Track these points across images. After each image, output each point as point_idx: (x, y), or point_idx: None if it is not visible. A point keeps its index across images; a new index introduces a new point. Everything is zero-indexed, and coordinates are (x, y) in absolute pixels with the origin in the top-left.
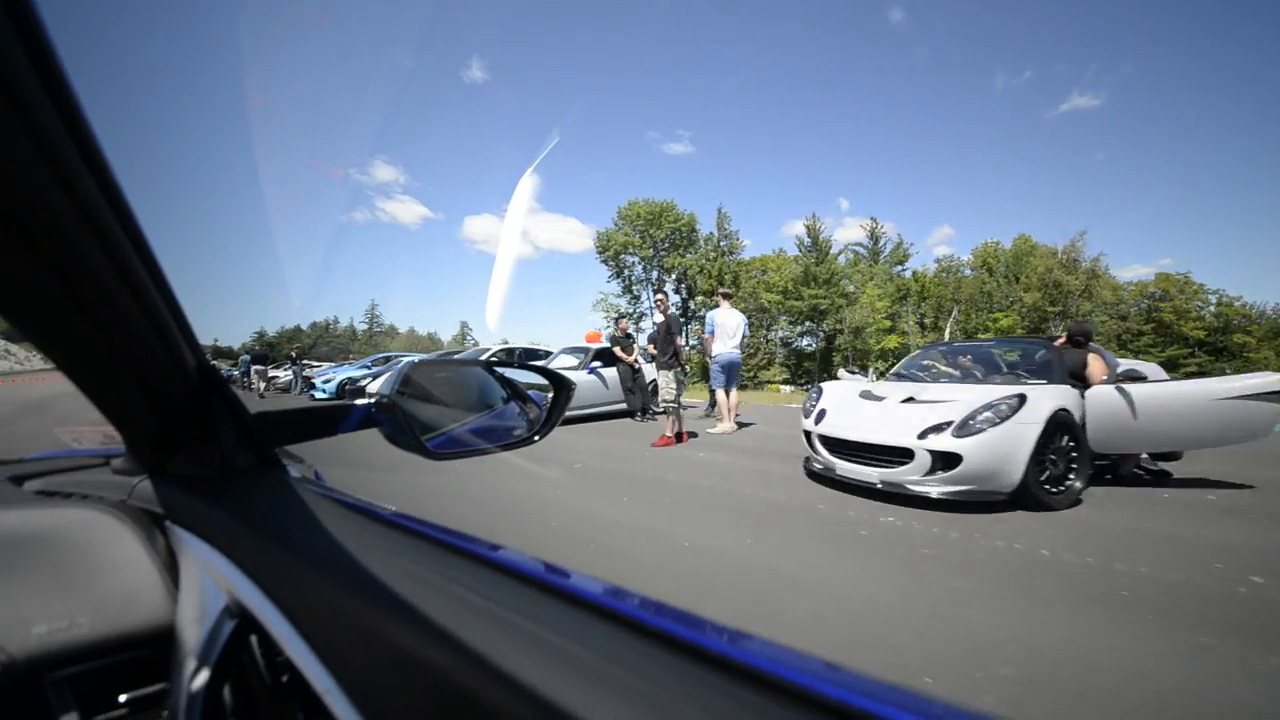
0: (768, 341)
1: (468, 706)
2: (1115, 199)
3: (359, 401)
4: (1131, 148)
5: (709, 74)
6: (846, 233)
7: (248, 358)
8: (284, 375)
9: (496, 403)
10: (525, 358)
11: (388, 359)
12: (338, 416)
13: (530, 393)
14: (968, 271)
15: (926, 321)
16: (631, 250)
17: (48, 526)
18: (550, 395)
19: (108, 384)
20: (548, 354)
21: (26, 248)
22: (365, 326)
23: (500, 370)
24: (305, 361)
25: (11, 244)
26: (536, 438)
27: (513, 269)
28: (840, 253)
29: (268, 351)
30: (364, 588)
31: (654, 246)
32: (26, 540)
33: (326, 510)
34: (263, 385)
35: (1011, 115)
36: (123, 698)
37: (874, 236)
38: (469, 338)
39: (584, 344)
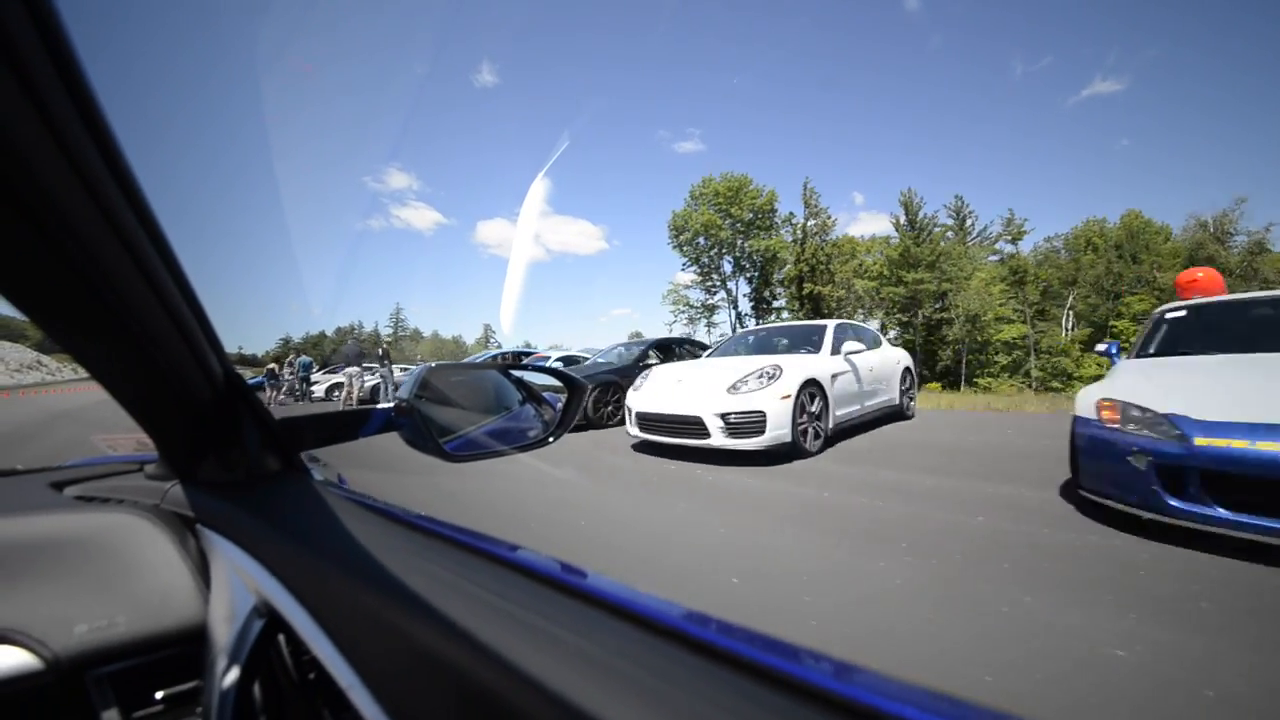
0: None
1: (487, 703)
2: (1141, 185)
3: (379, 406)
4: (1157, 133)
5: (719, 71)
6: (860, 227)
7: (305, 359)
8: (367, 380)
9: (513, 405)
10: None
11: (499, 356)
12: (359, 421)
13: (545, 395)
14: (1062, 254)
15: (1028, 309)
16: (713, 232)
17: (86, 530)
18: (564, 397)
19: (140, 392)
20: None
21: (58, 260)
22: (390, 330)
23: (515, 373)
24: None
25: (43, 256)
26: (551, 439)
27: (525, 272)
28: (941, 233)
29: (362, 348)
30: (386, 588)
31: (734, 228)
32: (67, 543)
33: (349, 512)
34: (354, 392)
35: (1031, 102)
36: (159, 694)
37: (959, 215)
38: (492, 340)
39: (1195, 300)
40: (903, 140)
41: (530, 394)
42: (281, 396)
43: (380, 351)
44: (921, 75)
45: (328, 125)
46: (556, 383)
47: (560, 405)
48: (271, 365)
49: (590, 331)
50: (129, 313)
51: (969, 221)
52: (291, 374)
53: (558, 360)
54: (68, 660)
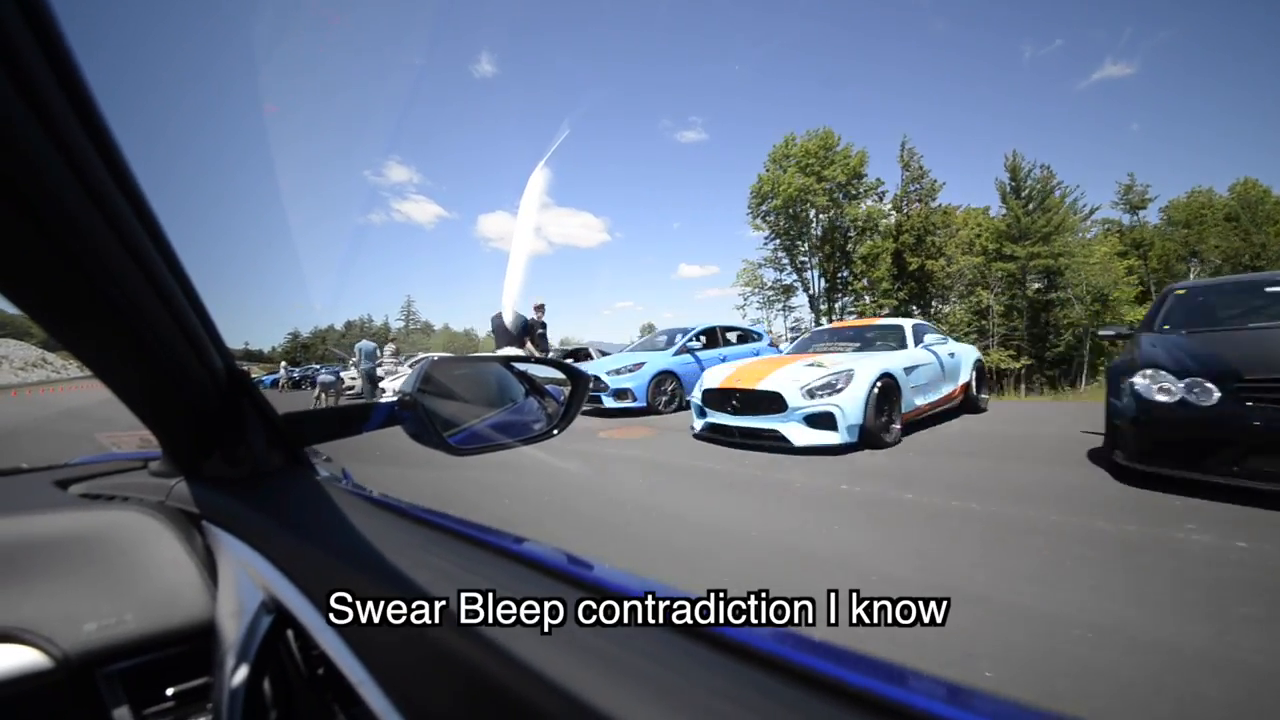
0: (980, 318)
1: (494, 695)
2: (1149, 172)
3: (382, 400)
4: (1168, 118)
5: (722, 59)
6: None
7: (368, 345)
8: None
9: (517, 398)
10: None
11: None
12: (362, 415)
13: (548, 388)
14: (1167, 227)
15: (1151, 285)
16: (808, 198)
17: (92, 528)
18: (568, 390)
19: (142, 390)
20: None
21: (58, 257)
22: (401, 323)
23: (519, 366)
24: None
25: (43, 254)
26: (555, 431)
27: (527, 265)
28: (1059, 201)
29: (523, 322)
30: (393, 582)
31: (829, 194)
32: (74, 541)
33: (354, 507)
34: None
35: (1041, 87)
36: (170, 691)
37: (1046, 187)
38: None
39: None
40: (911, 123)
41: (533, 387)
42: (321, 394)
43: (532, 319)
44: (929, 59)
45: (325, 119)
46: (560, 375)
47: (564, 398)
48: (282, 363)
49: (595, 328)
50: (130, 310)
51: (1057, 193)
52: (351, 367)
53: (918, 326)
54: (77, 658)
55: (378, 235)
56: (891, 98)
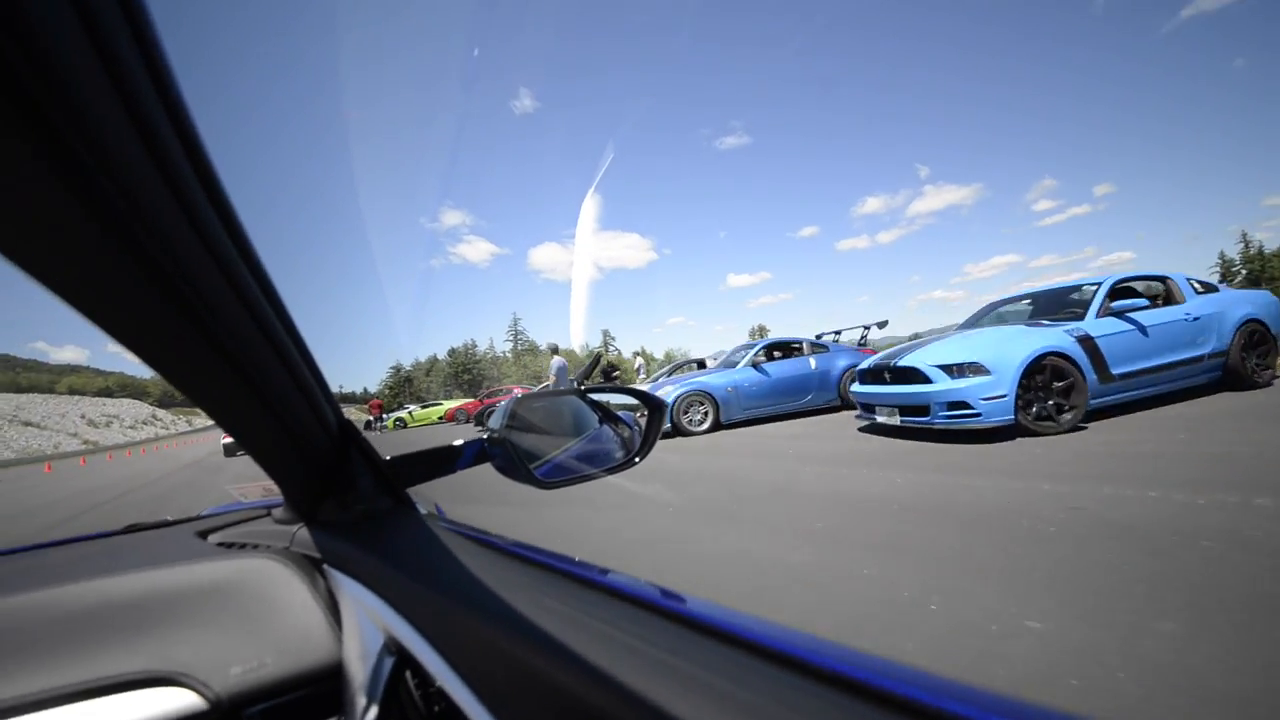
0: None
1: None
2: (1260, 111)
3: (471, 440)
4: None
5: (759, 57)
6: (925, 202)
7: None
8: None
9: (591, 427)
10: None
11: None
12: (455, 455)
13: (621, 414)
14: None
15: None
16: None
17: (232, 576)
18: (644, 416)
19: (265, 442)
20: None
21: (192, 325)
22: (510, 344)
23: (591, 395)
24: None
25: (180, 324)
26: (637, 459)
27: (588, 291)
28: None
29: None
30: (498, 617)
31: None
32: (219, 589)
33: (455, 544)
34: None
35: (1119, 35)
36: None
37: None
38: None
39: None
40: (976, 97)
41: (607, 415)
42: None
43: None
44: (989, 27)
45: (389, 171)
46: (633, 401)
47: (637, 424)
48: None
49: (649, 342)
50: (252, 369)
51: None
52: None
53: None
54: (228, 700)
55: (442, 275)
56: (957, 59)
